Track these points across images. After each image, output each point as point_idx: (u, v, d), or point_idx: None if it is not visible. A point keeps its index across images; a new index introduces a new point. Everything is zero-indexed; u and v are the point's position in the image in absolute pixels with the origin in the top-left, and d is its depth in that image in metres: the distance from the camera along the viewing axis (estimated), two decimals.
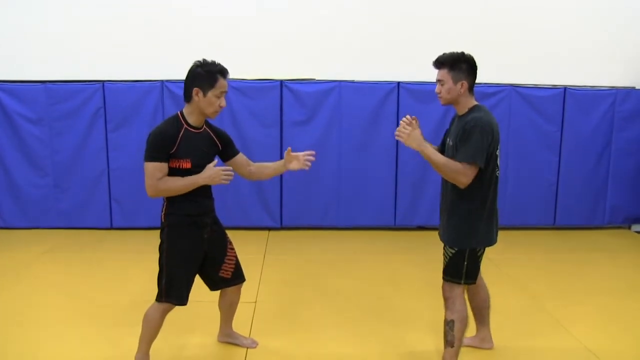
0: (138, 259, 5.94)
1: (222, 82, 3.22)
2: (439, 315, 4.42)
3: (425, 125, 6.77)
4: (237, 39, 6.98)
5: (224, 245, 3.63)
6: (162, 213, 3.34)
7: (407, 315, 4.53)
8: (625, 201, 7.46)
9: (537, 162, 7.23)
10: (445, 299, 3.49)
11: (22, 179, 7.02)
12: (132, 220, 7.09)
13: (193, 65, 3.25)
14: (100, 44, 7.04)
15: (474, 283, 3.53)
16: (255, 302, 4.74)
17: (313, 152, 3.59)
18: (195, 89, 3.19)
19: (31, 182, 7.02)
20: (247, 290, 4.90)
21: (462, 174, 3.17)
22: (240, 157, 3.63)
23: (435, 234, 7.20)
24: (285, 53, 7.18)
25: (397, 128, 3.31)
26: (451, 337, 3.42)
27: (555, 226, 7.45)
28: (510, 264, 5.86)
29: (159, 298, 3.35)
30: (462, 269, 3.39)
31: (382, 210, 7.26)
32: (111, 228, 7.12)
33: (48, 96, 6.85)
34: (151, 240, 6.63)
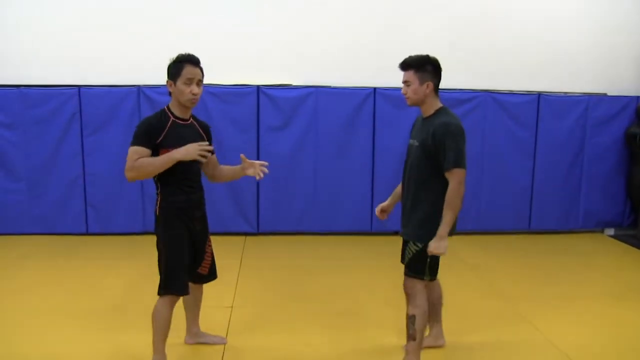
0: (114, 265, 5.89)
1: (188, 69, 3.27)
2: None
3: (402, 131, 6.93)
4: (215, 44, 6.96)
5: (205, 241, 3.65)
6: (156, 207, 3.38)
7: (380, 319, 4.54)
8: (598, 205, 7.58)
9: (511, 167, 7.31)
10: (407, 295, 3.57)
11: None
12: (108, 226, 6.97)
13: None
14: (77, 49, 6.97)
15: (435, 279, 3.64)
16: (232, 307, 4.72)
17: (266, 163, 3.62)
18: (168, 82, 3.33)
19: (4, 187, 6.91)
20: (223, 295, 4.91)
21: (458, 185, 3.27)
22: (214, 157, 3.68)
23: None
24: (262, 58, 7.18)
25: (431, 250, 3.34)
26: (413, 331, 3.50)
27: (530, 230, 7.53)
28: (485, 268, 5.92)
29: (160, 291, 3.37)
30: (425, 265, 3.47)
31: (358, 216, 7.28)
32: (87, 234, 7.03)
33: (23, 100, 6.76)
34: (127, 246, 6.66)
